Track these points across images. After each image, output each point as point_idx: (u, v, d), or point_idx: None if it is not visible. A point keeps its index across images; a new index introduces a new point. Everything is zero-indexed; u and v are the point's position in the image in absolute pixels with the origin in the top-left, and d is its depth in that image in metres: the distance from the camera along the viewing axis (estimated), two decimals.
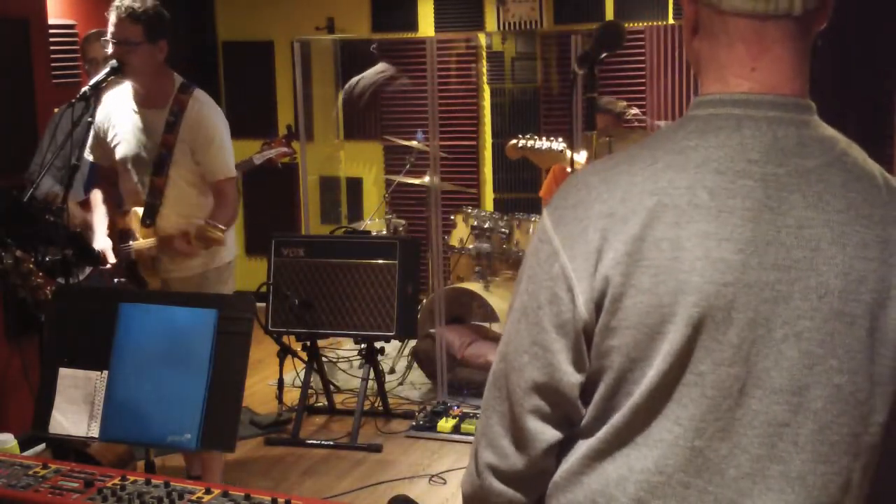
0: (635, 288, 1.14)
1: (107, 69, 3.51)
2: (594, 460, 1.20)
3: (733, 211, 1.14)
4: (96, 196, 3.87)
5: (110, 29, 3.56)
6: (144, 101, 3.70)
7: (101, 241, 3.75)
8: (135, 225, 3.74)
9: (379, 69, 6.60)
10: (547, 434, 1.22)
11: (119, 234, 3.76)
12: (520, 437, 1.23)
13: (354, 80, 6.66)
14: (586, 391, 1.20)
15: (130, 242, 3.72)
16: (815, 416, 1.14)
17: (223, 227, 3.54)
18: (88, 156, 3.83)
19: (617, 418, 1.18)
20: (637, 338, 1.15)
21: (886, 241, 1.16)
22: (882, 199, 1.18)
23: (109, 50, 3.57)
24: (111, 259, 3.70)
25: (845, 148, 1.20)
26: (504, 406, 1.24)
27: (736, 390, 1.14)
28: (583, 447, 1.21)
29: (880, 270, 1.15)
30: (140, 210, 3.72)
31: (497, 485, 1.26)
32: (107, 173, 3.85)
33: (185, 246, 3.52)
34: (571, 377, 1.19)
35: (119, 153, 3.74)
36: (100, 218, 3.82)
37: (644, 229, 1.14)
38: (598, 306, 1.16)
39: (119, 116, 3.74)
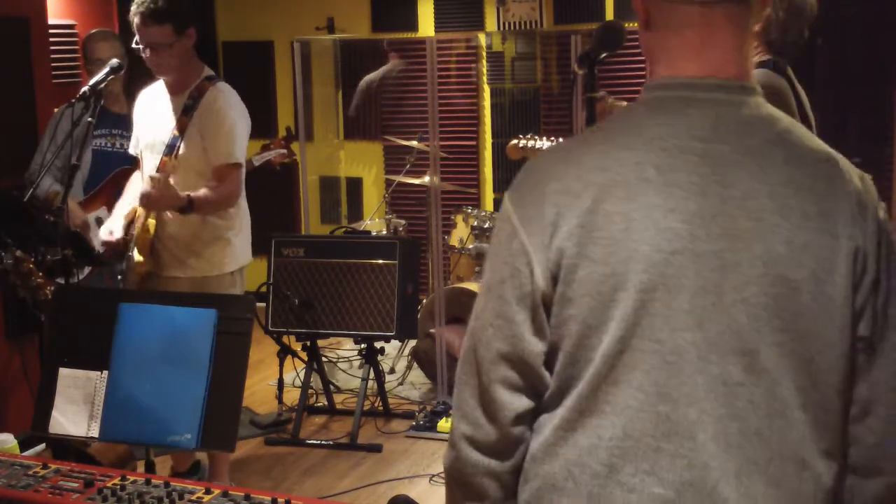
0: (589, 259, 1.21)
1: (106, 69, 3.48)
2: (567, 431, 1.25)
3: (680, 185, 1.21)
4: (135, 178, 3.84)
5: (137, 34, 3.51)
6: (171, 89, 3.71)
7: (114, 218, 3.71)
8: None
9: (390, 66, 6.60)
10: (515, 403, 1.28)
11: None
12: (490, 408, 1.29)
13: (375, 75, 6.63)
14: (549, 361, 1.27)
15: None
16: (766, 376, 1.20)
17: (173, 187, 3.45)
18: (133, 151, 3.85)
19: (582, 387, 1.24)
20: (591, 305, 1.22)
21: (828, 213, 1.22)
22: (825, 173, 1.25)
23: (146, 54, 3.54)
24: (117, 234, 3.64)
25: (788, 126, 1.28)
26: (475, 379, 1.31)
27: (694, 356, 1.20)
28: (555, 419, 1.27)
29: (823, 239, 1.21)
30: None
31: (473, 454, 1.31)
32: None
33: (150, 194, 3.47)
34: (535, 346, 1.26)
35: (142, 142, 3.75)
36: (126, 198, 3.79)
37: (596, 203, 1.22)
38: (554, 277, 1.24)
39: (149, 107, 3.76)
